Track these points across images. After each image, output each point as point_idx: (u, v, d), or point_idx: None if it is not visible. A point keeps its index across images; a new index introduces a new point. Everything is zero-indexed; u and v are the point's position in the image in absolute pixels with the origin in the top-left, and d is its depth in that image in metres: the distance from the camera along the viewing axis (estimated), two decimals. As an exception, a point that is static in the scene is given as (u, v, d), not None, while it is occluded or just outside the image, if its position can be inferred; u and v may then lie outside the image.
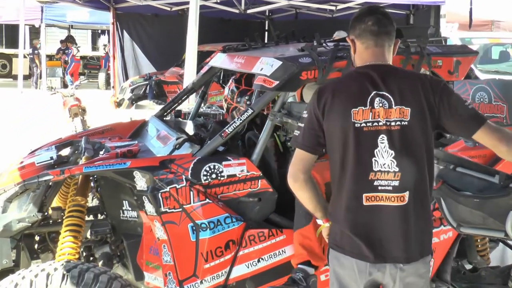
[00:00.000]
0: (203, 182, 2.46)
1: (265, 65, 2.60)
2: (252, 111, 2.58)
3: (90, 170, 2.49)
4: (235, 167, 2.50)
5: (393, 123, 1.79)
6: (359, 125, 1.79)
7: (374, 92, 1.81)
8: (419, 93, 1.81)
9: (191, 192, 2.42)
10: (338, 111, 1.82)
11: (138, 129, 3.54)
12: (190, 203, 2.41)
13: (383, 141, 1.79)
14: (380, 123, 1.79)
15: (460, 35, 9.90)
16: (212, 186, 2.47)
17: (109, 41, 12.86)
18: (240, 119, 2.57)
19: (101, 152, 2.92)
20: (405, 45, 2.72)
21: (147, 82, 8.94)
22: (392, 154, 1.78)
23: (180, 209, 2.41)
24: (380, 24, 1.87)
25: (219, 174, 2.47)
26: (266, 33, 11.04)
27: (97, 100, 11.26)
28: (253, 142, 3.06)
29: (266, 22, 11.15)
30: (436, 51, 2.87)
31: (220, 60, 3.31)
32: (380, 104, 1.79)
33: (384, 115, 1.79)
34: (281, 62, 2.53)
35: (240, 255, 2.45)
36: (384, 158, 1.78)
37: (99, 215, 3.01)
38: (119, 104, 9.08)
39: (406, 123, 1.78)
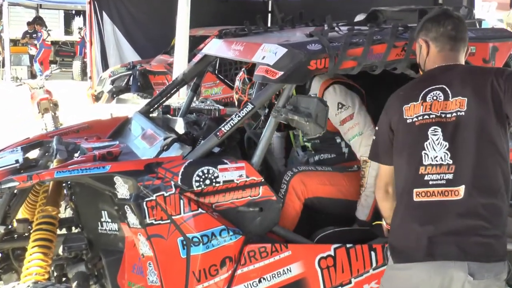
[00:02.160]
0: (196, 189, 2.48)
1: (268, 53, 2.63)
2: (252, 106, 2.61)
3: (63, 175, 2.50)
4: (232, 172, 2.52)
5: (448, 115, 1.98)
6: (410, 120, 2.03)
7: (429, 87, 2.02)
8: (481, 82, 1.98)
9: (181, 201, 2.44)
10: (396, 113, 2.08)
11: (119, 128, 3.57)
12: (180, 214, 2.44)
13: (436, 133, 1.96)
14: (432, 116, 2.00)
15: (499, 16, 9.89)
16: (206, 193, 2.50)
17: (85, 24, 12.90)
18: (239, 116, 2.60)
19: (76, 155, 2.95)
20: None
21: (130, 72, 8.97)
22: (446, 146, 1.95)
23: (169, 221, 2.44)
24: (458, 30, 2.11)
25: (214, 180, 2.50)
26: (270, 15, 11.07)
27: (71, 93, 11.30)
28: (254, 142, 3.10)
29: (270, 2, 11.18)
30: (470, 36, 2.88)
31: (215, 47, 3.33)
32: (434, 98, 2.02)
33: (438, 107, 2.00)
34: (286, 50, 2.55)
35: (238, 274, 2.48)
36: (436, 150, 1.96)
37: (73, 228, 3.04)
38: (97, 98, 9.11)
39: (463, 113, 1.97)
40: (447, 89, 2.02)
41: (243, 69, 3.36)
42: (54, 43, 17.15)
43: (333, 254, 2.57)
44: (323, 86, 2.88)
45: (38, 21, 15.68)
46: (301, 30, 3.12)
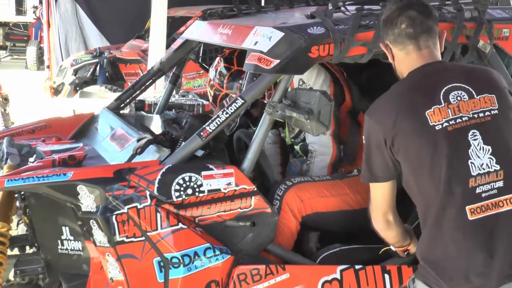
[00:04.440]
0: (175, 200, 2.49)
1: (261, 38, 2.64)
2: (242, 101, 2.62)
3: (15, 184, 2.51)
4: (219, 179, 2.54)
5: (481, 114, 2.03)
6: (440, 126, 2.02)
7: (446, 86, 2.04)
8: (496, 79, 2.08)
9: (158, 214, 2.45)
10: (411, 121, 2.05)
11: (83, 127, 3.57)
12: (156, 230, 2.44)
13: (475, 138, 2.00)
14: (465, 118, 2.03)
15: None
16: (188, 205, 2.51)
17: (41, 2, 12.86)
18: (226, 113, 2.61)
19: (31, 159, 2.95)
20: (456, 8, 2.77)
21: (96, 60, 8.97)
22: (489, 150, 2.00)
23: (143, 238, 2.44)
24: (415, 24, 2.12)
25: (197, 189, 2.51)
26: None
27: (25, 85, 11.25)
28: (245, 144, 3.11)
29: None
30: (502, 16, 2.92)
31: (198, 31, 3.35)
32: (458, 98, 2.05)
33: (467, 108, 2.03)
34: (283, 34, 2.57)
35: (226, 302, 2.49)
36: (481, 157, 2.00)
37: (27, 247, 3.04)
38: (56, 91, 9.10)
39: (497, 111, 2.04)
40: (467, 87, 2.06)
41: (218, 57, 3.35)
42: (3, 24, 17.09)
43: (339, 277, 2.58)
44: None
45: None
46: (300, 11, 3.14)
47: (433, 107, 2.05)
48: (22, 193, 2.84)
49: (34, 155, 2.99)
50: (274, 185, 2.85)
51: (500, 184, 1.99)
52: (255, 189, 2.58)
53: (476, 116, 2.03)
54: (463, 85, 2.07)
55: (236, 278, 2.49)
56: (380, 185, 2.19)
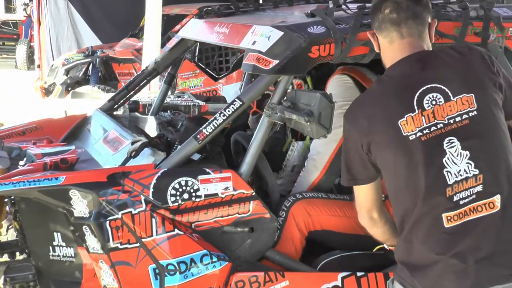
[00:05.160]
0: (171, 205, 2.49)
1: (260, 37, 2.65)
2: (240, 103, 2.62)
3: (5, 188, 2.50)
4: (216, 184, 2.53)
5: (458, 118, 1.98)
6: (414, 136, 1.99)
7: (421, 89, 2.00)
8: (479, 71, 2.02)
9: (154, 220, 2.45)
10: (383, 132, 2.03)
11: (76, 129, 3.57)
12: (151, 236, 2.44)
13: (452, 145, 1.97)
14: (440, 125, 1.98)
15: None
16: (184, 210, 2.51)
17: (31, 0, 12.86)
18: (224, 115, 2.61)
19: (22, 163, 2.94)
20: (461, 6, 2.77)
21: (89, 59, 8.98)
22: (466, 155, 1.98)
23: (138, 244, 2.44)
24: (399, 9, 2.07)
25: (194, 194, 2.51)
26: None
27: (15, 85, 11.25)
28: (243, 147, 3.11)
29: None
30: (508, 14, 2.92)
31: (195, 29, 3.35)
32: (433, 102, 2.00)
33: (443, 113, 1.99)
34: (282, 33, 2.57)
35: (223, 311, 2.49)
36: (458, 164, 1.97)
37: (17, 254, 3.03)
38: (47, 92, 9.10)
39: (475, 112, 1.99)
40: (443, 87, 2.01)
41: None
42: (-8, 22, 17.10)
43: (340, 284, 2.58)
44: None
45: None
46: (300, 9, 3.14)
47: (405, 116, 2.00)
48: (12, 197, 2.84)
49: (25, 158, 2.99)
50: (273, 190, 2.84)
51: (479, 188, 1.97)
52: (254, 193, 2.58)
53: (452, 122, 1.99)
54: (439, 86, 2.01)
55: (234, 286, 2.49)
56: (362, 187, 2.17)
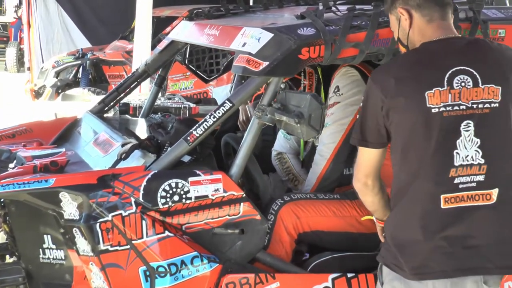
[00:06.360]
0: (161, 207, 2.49)
1: (250, 39, 2.65)
2: (230, 105, 2.63)
3: (-5, 191, 2.50)
4: (206, 186, 2.53)
5: (480, 106, 2.04)
6: (437, 109, 2.03)
7: (454, 68, 2.05)
8: (509, 68, 2.07)
9: (144, 222, 2.45)
10: (408, 97, 2.06)
11: (66, 131, 3.56)
12: (142, 238, 2.44)
13: (468, 129, 2.02)
14: (463, 107, 2.04)
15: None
16: (174, 212, 2.51)
17: (21, 2, 12.82)
18: (214, 117, 2.61)
19: (11, 165, 2.93)
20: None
21: (79, 62, 8.95)
22: (477, 143, 2.03)
23: (128, 247, 2.44)
24: None
25: (184, 196, 2.51)
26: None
27: (5, 87, 11.21)
28: (233, 149, 3.11)
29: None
30: (497, 16, 2.93)
31: (185, 31, 3.35)
32: (462, 84, 2.05)
33: (468, 96, 2.04)
34: (272, 35, 2.57)
35: (214, 312, 2.49)
36: (467, 149, 2.03)
37: (7, 256, 3.02)
38: (38, 94, 9.07)
39: (497, 104, 2.04)
40: (474, 73, 2.06)
41: None
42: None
43: (330, 285, 2.59)
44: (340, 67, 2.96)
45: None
46: (290, 10, 3.15)
47: (434, 89, 2.05)
48: (2, 200, 2.83)
49: (15, 161, 2.97)
50: (263, 192, 2.84)
51: (480, 178, 2.03)
52: (244, 195, 2.58)
53: (474, 107, 2.04)
54: (471, 70, 2.06)
55: (225, 287, 2.49)
56: (369, 150, 2.19)
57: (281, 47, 2.53)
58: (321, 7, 2.76)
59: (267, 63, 2.53)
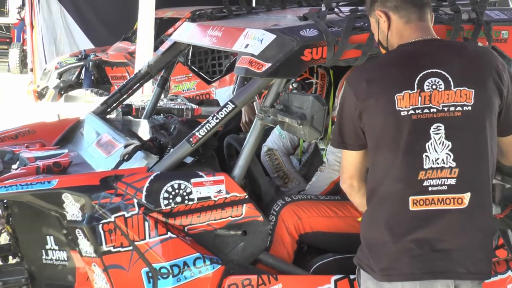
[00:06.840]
0: (164, 208, 2.49)
1: (252, 40, 2.65)
2: (233, 106, 2.63)
3: (-2, 192, 2.50)
4: (209, 187, 2.54)
5: (452, 108, 2.02)
6: (405, 113, 2.03)
7: (426, 71, 2.03)
8: (486, 71, 2.05)
9: (146, 223, 2.45)
10: (378, 99, 2.06)
11: (69, 132, 3.56)
12: (144, 239, 2.44)
13: (438, 132, 2.01)
14: (433, 110, 2.02)
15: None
16: (177, 213, 2.51)
17: (24, 3, 12.83)
18: (217, 118, 2.61)
19: (14, 166, 2.94)
20: (453, 9, 2.77)
21: (82, 63, 8.96)
22: (448, 146, 2.01)
23: (130, 248, 2.44)
24: None
25: (187, 197, 2.51)
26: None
27: (8, 89, 11.22)
28: (236, 150, 3.11)
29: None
30: (500, 17, 2.92)
31: (187, 33, 3.35)
32: (433, 86, 2.03)
33: (439, 99, 2.02)
34: (274, 36, 2.58)
35: (216, 314, 2.49)
36: (438, 152, 2.01)
37: (10, 257, 3.02)
38: (40, 95, 9.08)
39: (470, 108, 2.02)
40: (447, 75, 2.04)
41: None
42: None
43: (333, 287, 2.59)
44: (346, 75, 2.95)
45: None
46: (293, 12, 3.15)
47: (403, 92, 2.03)
48: (5, 201, 2.83)
49: (17, 162, 2.98)
50: (266, 193, 2.84)
51: (452, 181, 2.01)
52: (246, 196, 2.58)
53: (445, 110, 2.02)
54: (443, 73, 2.04)
55: (227, 289, 2.49)
56: (349, 152, 2.19)
57: (283, 48, 2.53)
58: (323, 9, 2.76)
59: (269, 64, 2.53)
